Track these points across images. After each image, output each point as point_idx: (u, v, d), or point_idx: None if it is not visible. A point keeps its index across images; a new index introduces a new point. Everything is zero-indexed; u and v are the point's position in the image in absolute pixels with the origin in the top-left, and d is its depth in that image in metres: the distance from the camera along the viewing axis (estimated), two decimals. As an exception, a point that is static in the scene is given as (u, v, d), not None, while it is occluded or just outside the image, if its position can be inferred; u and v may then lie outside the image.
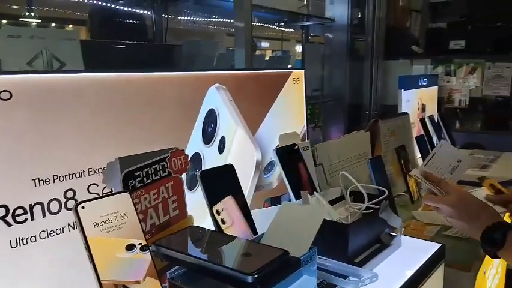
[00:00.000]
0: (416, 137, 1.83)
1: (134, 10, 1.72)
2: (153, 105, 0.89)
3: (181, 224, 0.85)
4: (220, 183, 0.88)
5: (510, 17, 2.73)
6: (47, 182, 0.71)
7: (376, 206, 1.01)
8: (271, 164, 1.19)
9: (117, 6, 1.63)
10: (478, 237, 0.93)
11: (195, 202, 0.93)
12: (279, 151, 1.02)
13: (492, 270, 1.35)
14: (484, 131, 2.85)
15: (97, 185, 0.78)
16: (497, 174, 1.94)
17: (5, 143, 0.66)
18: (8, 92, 0.66)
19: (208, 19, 2.18)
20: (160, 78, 0.91)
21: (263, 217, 0.94)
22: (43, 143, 0.70)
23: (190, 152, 0.95)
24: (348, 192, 1.07)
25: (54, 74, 0.72)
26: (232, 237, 0.78)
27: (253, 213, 0.92)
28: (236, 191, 0.90)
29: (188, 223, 0.87)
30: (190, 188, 0.96)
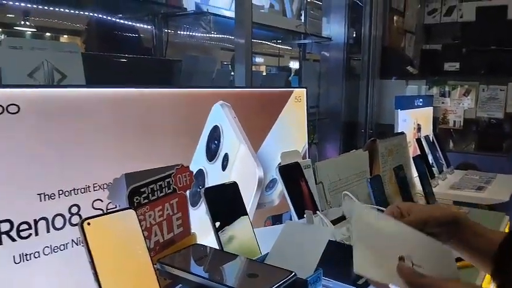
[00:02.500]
0: (413, 157, 1.84)
1: (134, 24, 1.73)
2: (157, 121, 0.89)
3: (185, 242, 0.84)
4: (224, 200, 0.87)
5: (503, 40, 2.79)
6: (52, 197, 0.70)
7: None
8: (272, 182, 1.18)
9: (117, 20, 1.64)
10: None
11: (198, 219, 0.92)
12: (282, 169, 1.02)
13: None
14: (478, 151, 2.88)
15: (102, 201, 0.77)
16: (493, 196, 1.96)
17: (11, 156, 0.65)
18: (16, 105, 0.65)
19: (207, 34, 2.19)
20: (165, 94, 0.91)
21: (266, 236, 0.94)
22: (49, 158, 0.69)
23: (194, 168, 0.95)
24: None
25: (60, 88, 0.71)
26: (236, 256, 0.77)
27: (256, 231, 0.91)
28: (240, 209, 0.89)
29: (192, 241, 0.86)
30: (193, 205, 0.95)
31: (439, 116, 2.90)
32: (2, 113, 0.63)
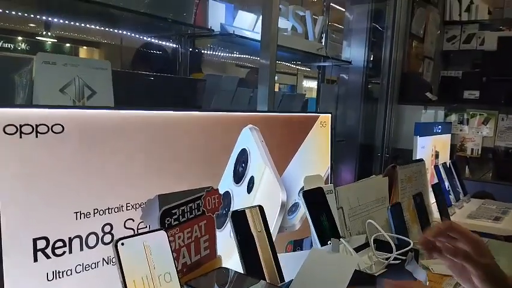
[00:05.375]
0: (432, 185, 1.83)
1: (162, 43, 1.77)
2: (188, 143, 0.90)
3: (211, 265, 0.85)
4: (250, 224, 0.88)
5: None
6: (88, 216, 0.71)
7: (401, 257, 1.00)
8: (295, 206, 1.19)
9: (147, 39, 1.68)
10: None
11: (222, 240, 0.93)
12: (305, 194, 1.03)
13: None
14: (495, 181, 2.85)
15: (133, 220, 0.78)
16: (510, 227, 1.94)
17: (53, 175, 0.67)
18: (61, 125, 0.67)
19: (230, 54, 2.23)
20: (195, 117, 0.93)
21: (288, 261, 0.94)
22: (87, 177, 0.71)
23: (221, 190, 0.96)
24: (372, 240, 1.07)
25: (102, 109, 0.73)
26: (263, 283, 0.77)
27: (279, 257, 0.92)
28: (265, 233, 0.90)
29: (217, 263, 0.86)
30: (218, 227, 0.96)
31: (457, 144, 2.88)
32: (47, 132, 0.65)
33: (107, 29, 1.64)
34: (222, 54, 2.22)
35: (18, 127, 0.63)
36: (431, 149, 2.28)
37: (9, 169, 0.62)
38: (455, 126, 2.86)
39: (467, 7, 3.44)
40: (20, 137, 0.63)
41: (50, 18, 1.62)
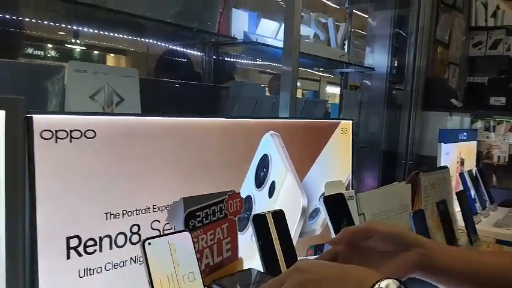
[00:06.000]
0: (456, 192, 1.81)
1: (186, 50, 1.82)
2: (212, 148, 0.93)
3: (233, 266, 0.87)
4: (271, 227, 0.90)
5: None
6: (117, 216, 0.75)
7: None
8: (315, 211, 1.20)
9: (172, 46, 1.73)
10: None
11: (244, 243, 0.95)
12: (326, 199, 1.04)
13: None
14: (523, 189, 2.79)
15: (159, 222, 0.81)
16: (539, 236, 1.89)
17: (86, 177, 0.71)
18: (93, 131, 0.71)
19: (253, 61, 2.27)
20: (219, 123, 0.96)
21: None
22: (117, 179, 0.75)
23: (243, 194, 0.98)
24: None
25: (131, 116, 0.77)
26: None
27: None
28: (285, 237, 0.92)
29: (239, 265, 0.89)
30: (240, 230, 0.98)
31: (483, 151, 2.83)
32: (80, 137, 0.69)
33: (134, 38, 1.70)
34: (245, 61, 2.26)
35: (54, 132, 0.67)
36: (456, 156, 2.25)
37: (45, 171, 0.67)
38: (481, 133, 2.81)
39: (493, 12, 3.39)
40: (56, 141, 0.67)
41: (79, 28, 1.69)
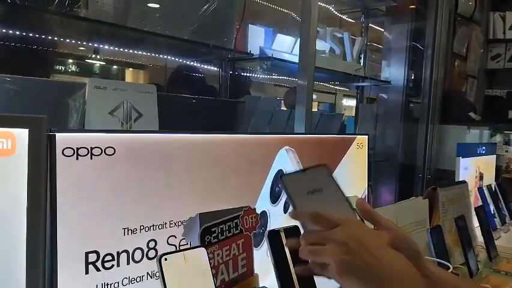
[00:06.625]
0: (475, 208, 1.78)
1: (201, 65, 1.85)
2: (227, 164, 0.95)
3: (248, 282, 0.88)
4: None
5: None
6: (134, 232, 0.76)
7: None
8: (331, 226, 1.20)
9: (189, 62, 1.77)
10: None
11: (259, 259, 0.96)
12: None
13: None
14: (544, 204, 2.72)
15: (175, 237, 0.83)
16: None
17: (105, 193, 0.73)
18: (112, 148, 0.73)
19: (269, 76, 2.29)
20: (235, 139, 0.98)
21: (323, 281, 0.95)
22: (135, 195, 0.77)
23: (258, 209, 0.99)
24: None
25: (150, 133, 0.79)
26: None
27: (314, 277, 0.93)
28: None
29: (254, 281, 0.89)
30: (256, 245, 0.99)
31: (502, 165, 2.78)
32: (100, 154, 0.72)
33: (152, 54, 1.74)
34: (261, 76, 2.28)
35: (75, 150, 0.69)
36: (474, 170, 2.21)
37: (66, 188, 0.69)
38: (500, 147, 2.77)
39: (511, 25, 3.36)
40: (77, 158, 0.70)
41: (100, 45, 1.73)
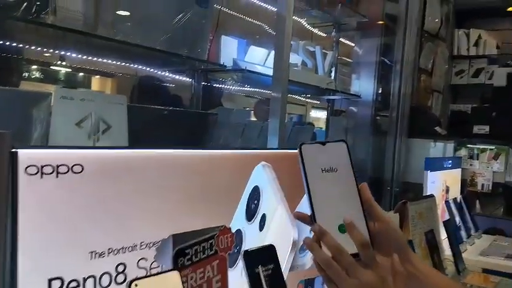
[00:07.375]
0: (444, 222, 1.81)
1: (175, 77, 1.81)
2: (200, 181, 0.91)
3: (223, 305, 0.84)
4: (262, 263, 0.88)
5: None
6: (102, 255, 0.72)
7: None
8: (306, 244, 1.18)
9: (161, 72, 1.72)
10: None
11: (234, 280, 0.92)
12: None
13: None
14: (506, 216, 2.82)
15: (146, 260, 0.78)
16: (524, 265, 1.90)
17: (71, 214, 0.68)
18: (80, 165, 0.68)
19: (241, 87, 2.27)
20: (207, 155, 0.95)
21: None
22: (103, 216, 0.72)
23: (233, 228, 0.96)
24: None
25: (121, 149, 0.75)
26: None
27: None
28: (276, 273, 0.89)
29: (229, 304, 0.86)
30: (230, 265, 0.95)
31: (467, 178, 2.87)
32: (67, 172, 0.67)
33: (123, 63, 1.68)
34: (233, 87, 2.26)
35: (40, 168, 0.64)
36: (441, 183, 2.26)
37: (29, 209, 0.63)
38: (465, 160, 2.85)
39: (475, 42, 3.49)
40: (41, 177, 0.64)
41: (68, 53, 1.67)
